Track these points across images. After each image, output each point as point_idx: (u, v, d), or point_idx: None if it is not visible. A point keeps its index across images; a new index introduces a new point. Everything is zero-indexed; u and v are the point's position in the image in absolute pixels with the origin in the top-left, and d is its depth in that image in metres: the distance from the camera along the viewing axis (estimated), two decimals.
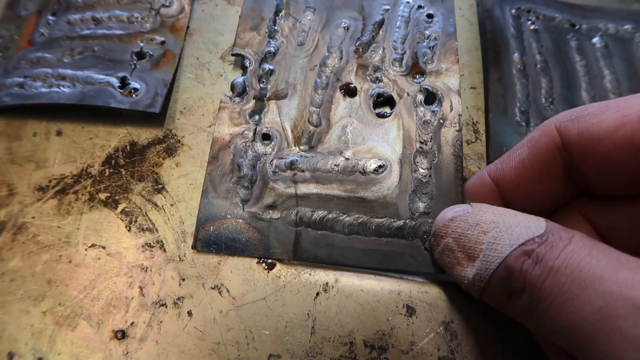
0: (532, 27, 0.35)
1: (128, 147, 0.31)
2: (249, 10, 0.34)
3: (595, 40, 0.36)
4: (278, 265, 0.28)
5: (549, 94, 0.33)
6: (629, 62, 0.36)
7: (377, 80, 0.32)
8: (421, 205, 0.29)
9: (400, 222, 0.29)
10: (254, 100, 0.31)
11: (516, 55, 0.34)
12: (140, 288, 0.28)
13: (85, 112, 0.32)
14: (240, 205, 0.29)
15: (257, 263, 0.28)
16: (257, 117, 0.31)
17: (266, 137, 0.30)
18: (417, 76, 0.32)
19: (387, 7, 0.35)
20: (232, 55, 0.33)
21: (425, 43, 0.33)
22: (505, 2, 0.36)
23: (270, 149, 0.30)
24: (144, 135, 0.31)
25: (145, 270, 0.28)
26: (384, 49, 0.33)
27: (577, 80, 0.34)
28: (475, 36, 0.36)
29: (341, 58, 0.33)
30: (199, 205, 0.29)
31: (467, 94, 0.33)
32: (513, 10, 0.36)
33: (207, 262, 0.28)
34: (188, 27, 0.35)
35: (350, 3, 0.35)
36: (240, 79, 0.31)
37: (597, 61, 0.35)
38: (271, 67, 0.32)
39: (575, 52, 0.35)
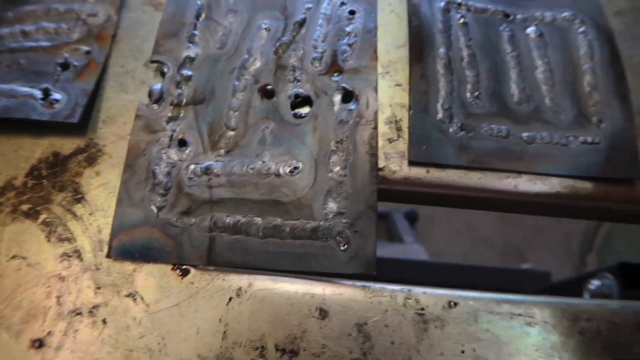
0: (461, 20, 0.34)
1: (51, 157, 0.31)
2: (169, 16, 0.34)
3: (529, 30, 0.35)
4: (192, 271, 0.28)
5: (475, 89, 0.32)
6: (564, 51, 0.35)
7: (296, 80, 0.32)
8: (335, 206, 0.29)
9: (314, 224, 0.28)
10: (171, 107, 0.31)
11: (441, 50, 0.33)
12: (58, 297, 0.28)
13: (12, 124, 0.32)
14: (155, 212, 0.29)
15: (171, 269, 0.28)
16: (173, 123, 0.31)
17: (182, 143, 0.30)
18: (336, 74, 0.32)
19: (310, 5, 0.34)
20: (151, 62, 0.33)
21: (345, 40, 0.33)
22: None
23: (187, 155, 0.30)
24: (67, 145, 0.32)
25: (63, 280, 0.28)
26: (303, 48, 0.33)
27: (507, 73, 0.33)
28: (405, 31, 0.35)
29: (261, 60, 0.32)
30: (114, 215, 0.29)
31: (392, 90, 0.33)
32: (442, 4, 0.35)
33: (122, 270, 0.28)
34: (115, 35, 0.35)
35: (273, 3, 0.35)
36: (157, 86, 0.32)
37: (529, 52, 0.34)
38: (189, 73, 0.32)
39: (507, 43, 0.34)
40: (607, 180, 0.31)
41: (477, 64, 0.33)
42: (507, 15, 0.36)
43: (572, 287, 0.51)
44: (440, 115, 0.31)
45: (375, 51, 0.32)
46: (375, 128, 0.30)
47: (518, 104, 0.32)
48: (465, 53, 0.33)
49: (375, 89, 0.31)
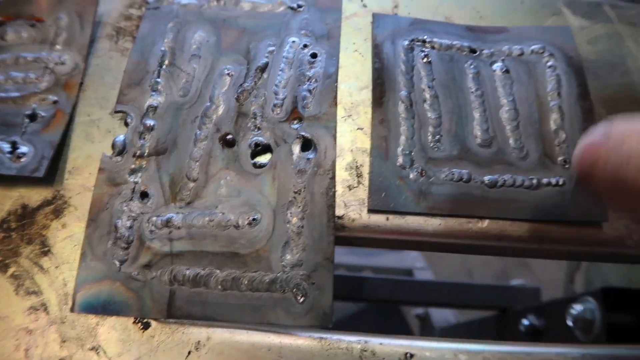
0: (424, 59, 0.34)
1: (20, 210, 0.32)
2: (133, 64, 0.34)
3: (495, 66, 0.35)
4: (153, 325, 0.29)
5: (436, 132, 0.32)
6: (530, 87, 0.34)
7: (257, 128, 0.32)
8: (293, 257, 0.29)
9: (272, 276, 0.29)
10: (133, 158, 0.31)
11: (403, 93, 0.33)
12: (26, 350, 0.29)
13: None
14: (117, 266, 0.29)
15: (133, 323, 0.29)
16: (136, 175, 0.31)
17: (144, 195, 0.31)
18: (295, 122, 0.32)
19: (273, 48, 0.34)
20: (115, 112, 0.33)
21: (305, 86, 0.33)
22: (399, 35, 0.35)
23: (148, 207, 0.30)
24: (34, 197, 0.32)
25: (30, 333, 0.29)
26: (265, 94, 0.33)
27: (470, 113, 0.33)
28: (369, 72, 0.35)
29: (223, 107, 0.33)
30: (78, 269, 0.30)
31: (353, 135, 0.33)
32: (405, 42, 0.35)
33: (86, 324, 0.29)
34: (82, 83, 0.35)
35: (237, 46, 0.35)
36: (120, 137, 0.32)
37: (494, 90, 0.34)
38: (152, 122, 0.32)
39: (472, 81, 0.34)
40: (572, 224, 0.31)
41: (440, 105, 0.33)
42: (473, 51, 0.35)
43: (557, 309, 0.51)
44: (400, 161, 0.31)
45: (335, 97, 0.32)
46: (333, 178, 0.30)
47: (481, 145, 0.32)
48: (427, 94, 0.33)
49: (334, 137, 0.31)
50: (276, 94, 0.33)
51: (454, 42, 0.35)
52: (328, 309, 0.28)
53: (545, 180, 0.31)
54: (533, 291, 0.69)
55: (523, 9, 0.38)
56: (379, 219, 0.31)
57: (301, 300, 0.28)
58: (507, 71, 0.34)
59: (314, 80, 0.33)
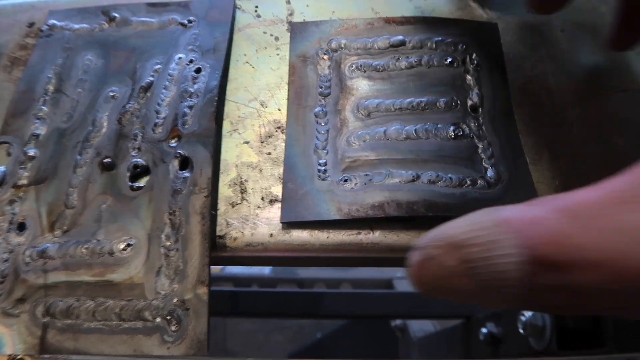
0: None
1: None
2: (20, 93, 0.34)
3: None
4: None
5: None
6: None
7: (137, 149, 0.31)
8: (167, 283, 0.27)
9: (145, 304, 0.27)
10: (12, 189, 0.31)
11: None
12: None
13: None
14: None
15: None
16: (14, 206, 0.30)
17: (21, 226, 0.30)
18: (174, 140, 0.31)
19: (159, 66, 0.33)
20: None
21: (186, 102, 0.31)
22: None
23: (25, 239, 0.29)
24: None
25: None
26: (147, 114, 0.32)
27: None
28: (258, 84, 0.34)
29: (104, 131, 0.32)
30: None
31: (239, 149, 0.31)
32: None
33: None
34: None
35: (124, 67, 0.34)
36: (0, 169, 0.31)
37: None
38: (33, 151, 0.32)
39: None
40: None
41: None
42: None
43: (511, 316, 0.48)
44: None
45: (214, 112, 0.31)
46: (208, 196, 0.29)
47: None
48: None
49: (211, 153, 0.30)
50: (158, 112, 0.32)
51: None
52: (203, 337, 0.26)
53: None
54: None
55: (425, 5, 0.36)
56: (263, 237, 0.29)
57: (175, 328, 0.27)
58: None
59: (195, 95, 0.32)
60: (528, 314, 0.43)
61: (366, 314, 0.71)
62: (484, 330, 0.52)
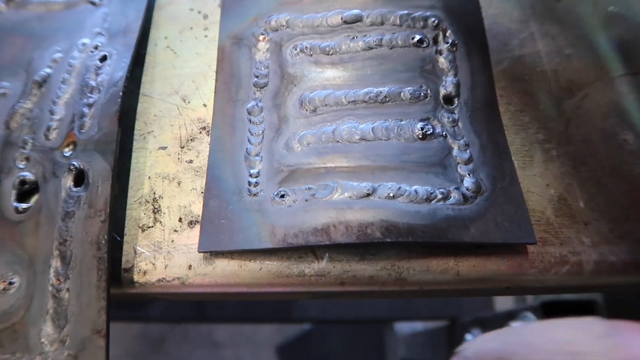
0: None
1: None
2: None
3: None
4: None
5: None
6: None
7: (26, 160, 0.25)
8: (56, 332, 0.22)
9: (29, 358, 0.21)
10: None
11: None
12: None
13: None
14: None
15: None
16: None
17: None
18: (68, 148, 0.24)
19: (59, 54, 0.27)
20: None
21: (85, 100, 0.25)
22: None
23: None
24: None
25: None
26: (39, 115, 0.26)
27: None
28: (180, 74, 0.27)
29: None
30: None
31: (153, 157, 0.25)
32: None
33: None
34: None
35: (18, 58, 0.27)
36: None
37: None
38: None
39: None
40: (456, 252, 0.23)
41: None
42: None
43: (499, 323, 0.43)
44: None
45: (117, 112, 0.24)
46: (105, 221, 0.22)
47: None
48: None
49: (111, 164, 0.23)
50: (52, 113, 0.25)
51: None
52: None
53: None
54: (483, 301, 0.61)
55: None
56: (179, 269, 0.23)
57: None
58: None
59: (97, 90, 0.25)
60: (516, 324, 0.38)
61: (350, 319, 0.66)
62: (468, 336, 0.47)
